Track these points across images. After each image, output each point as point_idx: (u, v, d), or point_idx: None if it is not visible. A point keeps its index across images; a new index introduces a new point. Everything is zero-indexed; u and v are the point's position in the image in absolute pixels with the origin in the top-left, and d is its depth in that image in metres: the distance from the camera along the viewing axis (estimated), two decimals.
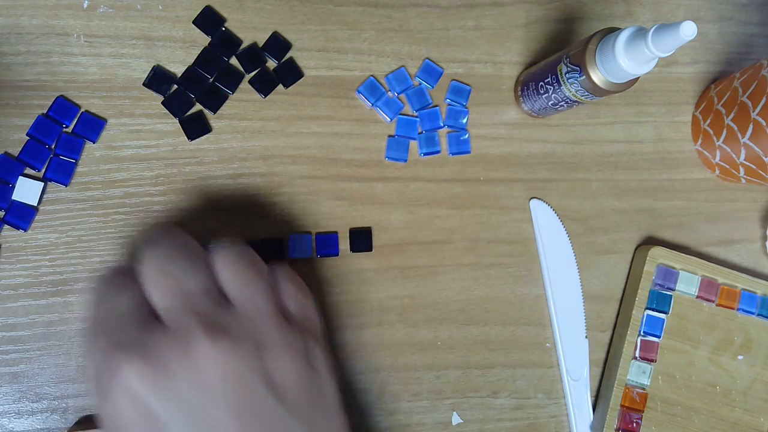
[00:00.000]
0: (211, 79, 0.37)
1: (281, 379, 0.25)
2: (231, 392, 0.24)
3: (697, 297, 0.40)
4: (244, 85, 0.38)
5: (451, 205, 0.39)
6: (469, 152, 0.40)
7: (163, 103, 0.37)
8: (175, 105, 0.37)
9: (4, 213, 0.35)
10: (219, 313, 0.25)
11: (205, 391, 0.23)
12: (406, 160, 0.39)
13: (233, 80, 0.37)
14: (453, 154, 0.40)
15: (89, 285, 0.29)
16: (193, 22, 0.37)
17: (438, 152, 0.39)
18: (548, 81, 0.36)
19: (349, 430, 0.28)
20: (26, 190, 0.35)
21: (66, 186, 0.35)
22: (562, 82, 0.35)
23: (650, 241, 0.42)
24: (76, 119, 0.36)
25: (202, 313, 0.25)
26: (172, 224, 0.28)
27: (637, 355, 0.39)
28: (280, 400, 0.25)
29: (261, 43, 0.38)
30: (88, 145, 0.36)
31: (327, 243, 0.38)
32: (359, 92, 0.39)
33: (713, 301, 0.41)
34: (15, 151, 0.35)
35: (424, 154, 0.39)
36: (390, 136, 0.39)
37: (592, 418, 0.39)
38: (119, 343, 0.24)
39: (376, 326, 0.38)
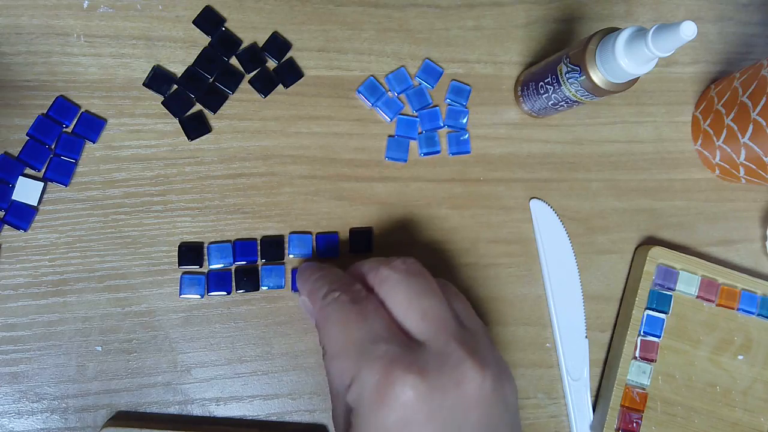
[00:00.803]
0: (211, 79, 0.37)
1: (509, 401, 0.28)
2: (486, 418, 0.26)
3: (697, 297, 0.40)
4: (244, 85, 0.38)
5: (451, 205, 0.39)
6: (469, 152, 0.40)
7: (163, 103, 0.37)
8: (175, 105, 0.37)
9: (4, 213, 0.35)
10: (469, 337, 0.28)
11: (466, 415, 0.26)
12: (406, 160, 0.39)
13: (233, 80, 0.37)
14: (453, 154, 0.40)
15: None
16: (193, 22, 0.37)
17: (438, 152, 0.39)
18: (548, 81, 0.36)
19: None
20: (26, 190, 0.35)
21: (66, 186, 0.35)
22: (562, 82, 0.35)
23: (650, 241, 0.42)
24: (76, 119, 0.36)
25: (462, 338, 0.28)
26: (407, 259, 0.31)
27: (637, 355, 0.39)
28: (513, 422, 0.28)
29: (261, 43, 0.38)
30: (88, 145, 0.36)
31: (327, 243, 0.38)
32: (359, 92, 0.39)
33: (713, 301, 0.41)
34: (15, 151, 0.35)
35: (424, 154, 0.39)
36: (390, 136, 0.39)
37: (592, 418, 0.39)
38: (397, 359, 0.26)
39: None
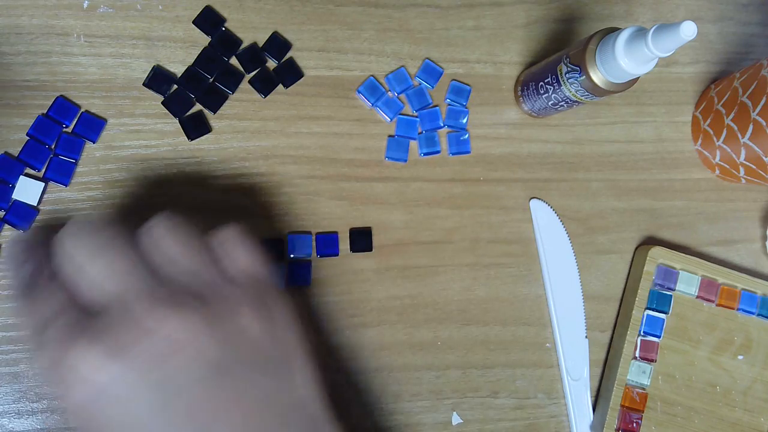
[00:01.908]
0: (211, 79, 0.37)
1: (235, 337, 0.25)
2: (188, 360, 0.23)
3: (697, 297, 0.40)
4: (244, 85, 0.38)
5: (451, 205, 0.39)
6: (469, 152, 0.40)
7: (163, 103, 0.37)
8: (175, 105, 0.37)
9: (4, 213, 0.35)
10: (157, 287, 0.25)
11: (169, 366, 0.23)
12: (406, 160, 0.39)
13: (233, 80, 0.37)
14: (453, 154, 0.40)
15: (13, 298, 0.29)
16: (193, 22, 0.37)
17: (438, 152, 0.39)
18: (548, 81, 0.36)
19: (319, 380, 0.28)
20: (27, 190, 0.35)
21: (66, 186, 0.35)
22: (562, 82, 0.35)
23: (650, 241, 0.42)
24: (76, 119, 0.36)
25: (141, 289, 0.24)
26: (82, 219, 0.27)
27: (637, 355, 0.39)
28: (237, 360, 0.25)
29: (261, 43, 0.38)
30: (88, 145, 0.36)
31: (327, 243, 0.38)
32: (359, 92, 0.39)
33: (713, 301, 0.41)
34: (15, 151, 0.35)
35: (424, 154, 0.39)
36: (390, 136, 0.39)
37: (592, 418, 0.39)
38: (65, 335, 0.23)
39: (376, 326, 0.38)
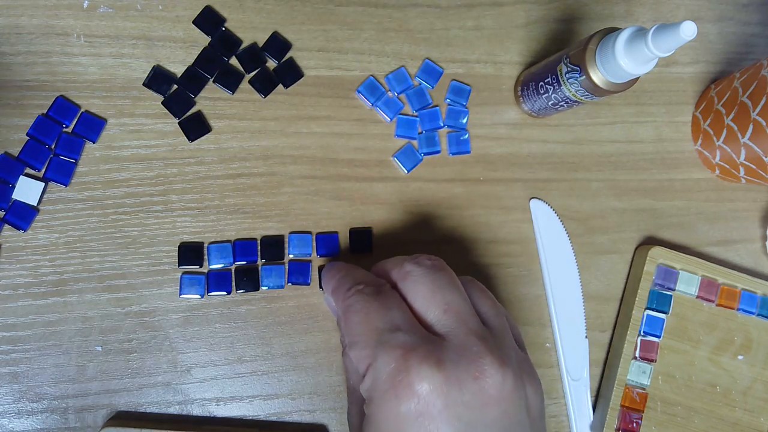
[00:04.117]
0: (212, 79, 0.37)
1: (531, 403, 0.28)
2: (503, 422, 0.26)
3: (697, 297, 0.40)
4: (244, 85, 0.38)
5: (451, 205, 0.39)
6: (469, 152, 0.40)
7: (163, 103, 0.37)
8: (175, 105, 0.37)
9: (4, 213, 0.35)
10: (489, 335, 0.28)
11: (483, 412, 0.26)
12: (408, 171, 0.39)
13: (233, 80, 0.37)
14: (453, 154, 0.40)
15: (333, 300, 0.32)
16: (193, 22, 0.37)
17: (438, 152, 0.39)
18: (548, 81, 0.36)
19: None
20: (27, 190, 0.35)
21: (66, 186, 0.35)
22: (562, 82, 0.35)
23: (650, 241, 0.42)
24: (76, 119, 0.36)
25: (482, 335, 0.27)
26: (427, 258, 0.31)
27: (637, 355, 0.39)
28: (535, 426, 0.27)
29: (261, 43, 0.38)
30: (88, 145, 0.36)
31: (327, 243, 0.38)
32: (359, 92, 0.39)
33: (713, 301, 0.41)
34: (15, 151, 0.35)
35: (424, 154, 0.39)
36: (406, 144, 0.39)
37: (592, 418, 0.39)
38: (415, 348, 0.26)
39: None
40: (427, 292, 0.29)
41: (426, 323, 0.28)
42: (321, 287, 0.36)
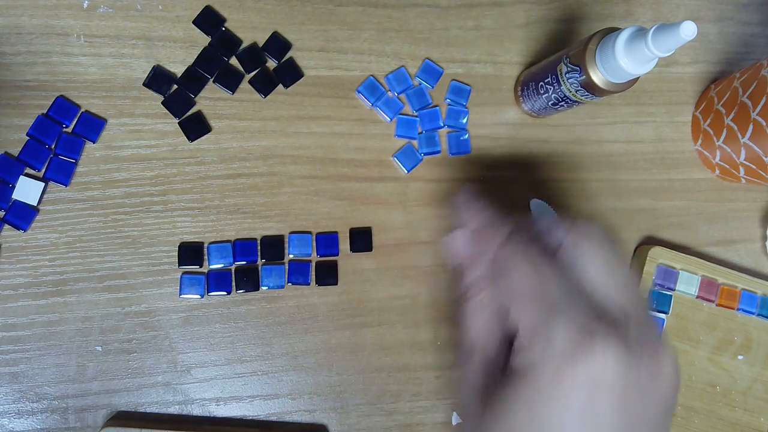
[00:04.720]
0: (212, 79, 0.37)
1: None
2: (665, 417, 0.25)
3: (697, 297, 0.40)
4: (244, 85, 0.38)
5: (451, 205, 0.39)
6: (469, 152, 0.40)
7: (163, 103, 0.37)
8: (175, 105, 0.37)
9: (4, 213, 0.35)
10: (654, 328, 0.27)
11: (655, 403, 0.25)
12: (408, 171, 0.39)
13: (233, 80, 0.37)
14: (453, 154, 0.40)
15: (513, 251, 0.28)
16: (193, 22, 0.37)
17: (438, 152, 0.39)
18: (548, 81, 0.36)
19: None
20: (27, 190, 0.35)
21: (66, 186, 0.35)
22: (562, 82, 0.35)
23: (650, 241, 0.42)
24: (76, 119, 0.36)
25: (652, 326, 0.26)
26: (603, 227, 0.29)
27: None
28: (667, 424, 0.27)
29: (261, 43, 0.38)
30: (88, 145, 0.36)
31: (327, 243, 0.38)
32: (359, 92, 0.39)
33: (713, 301, 0.41)
34: (15, 151, 0.35)
35: (424, 154, 0.39)
36: (406, 144, 0.39)
37: None
38: (597, 321, 0.24)
39: (376, 326, 0.38)
40: (603, 265, 0.26)
41: (596, 296, 0.26)
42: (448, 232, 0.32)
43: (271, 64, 0.38)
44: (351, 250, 0.38)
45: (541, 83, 0.37)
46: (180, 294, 0.36)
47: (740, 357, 0.41)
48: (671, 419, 0.27)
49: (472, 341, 0.28)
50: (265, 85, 0.38)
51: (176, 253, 0.36)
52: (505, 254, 0.27)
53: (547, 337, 0.25)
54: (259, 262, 0.37)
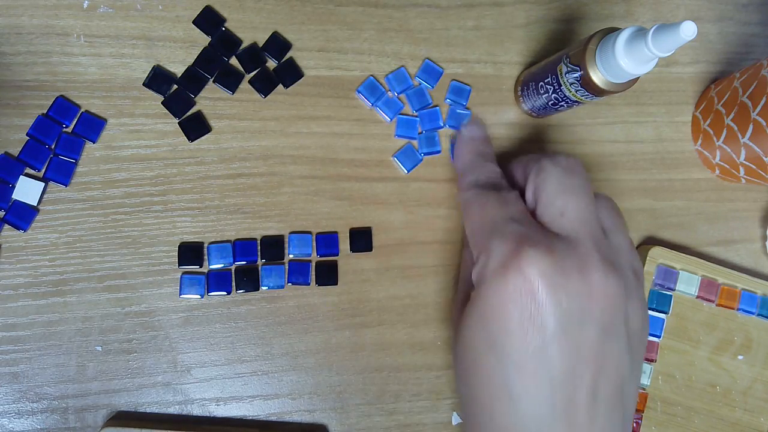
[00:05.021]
0: (212, 79, 0.37)
1: (631, 318, 0.28)
2: (602, 320, 0.27)
3: (697, 297, 0.40)
4: (244, 85, 0.38)
5: (451, 205, 0.39)
6: None
7: (163, 103, 0.37)
8: (175, 105, 0.37)
9: (4, 213, 0.35)
10: (606, 244, 0.29)
11: (584, 308, 0.26)
12: (408, 171, 0.39)
13: (233, 80, 0.37)
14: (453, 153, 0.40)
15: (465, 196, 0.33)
16: (193, 22, 0.37)
17: (438, 152, 0.39)
18: (548, 81, 0.36)
19: None
20: (27, 190, 0.35)
21: (66, 186, 0.35)
22: (562, 82, 0.35)
23: (650, 241, 0.42)
24: (76, 119, 0.36)
25: (597, 239, 0.28)
26: (566, 156, 0.31)
27: None
28: (627, 340, 0.28)
29: (261, 43, 0.38)
30: (88, 145, 0.36)
31: (327, 243, 0.38)
32: (359, 92, 0.39)
33: (713, 301, 0.41)
34: (15, 151, 0.35)
35: (424, 154, 0.39)
36: (406, 144, 0.39)
37: None
38: (528, 237, 0.27)
39: (376, 326, 0.38)
40: (553, 190, 0.29)
41: (544, 221, 0.29)
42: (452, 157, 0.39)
43: (271, 64, 0.38)
44: (351, 250, 0.38)
45: (541, 83, 0.37)
46: (180, 294, 0.36)
47: (740, 357, 0.41)
48: (627, 347, 0.27)
49: (461, 276, 0.34)
50: (265, 85, 0.38)
51: (176, 253, 0.36)
52: (464, 198, 0.32)
53: (486, 256, 0.28)
54: (259, 262, 0.37)
